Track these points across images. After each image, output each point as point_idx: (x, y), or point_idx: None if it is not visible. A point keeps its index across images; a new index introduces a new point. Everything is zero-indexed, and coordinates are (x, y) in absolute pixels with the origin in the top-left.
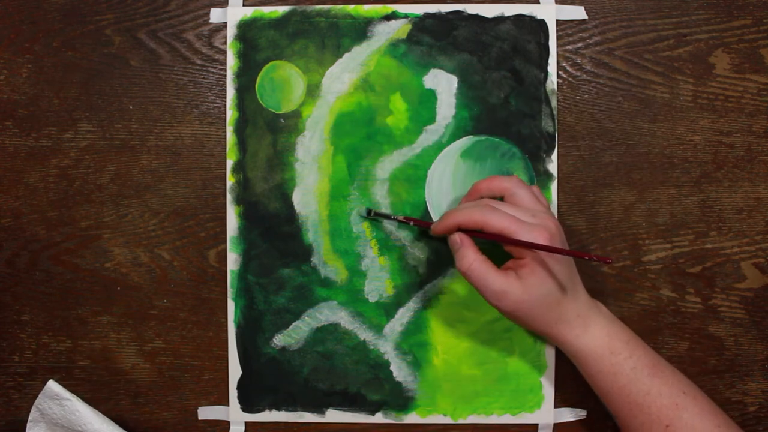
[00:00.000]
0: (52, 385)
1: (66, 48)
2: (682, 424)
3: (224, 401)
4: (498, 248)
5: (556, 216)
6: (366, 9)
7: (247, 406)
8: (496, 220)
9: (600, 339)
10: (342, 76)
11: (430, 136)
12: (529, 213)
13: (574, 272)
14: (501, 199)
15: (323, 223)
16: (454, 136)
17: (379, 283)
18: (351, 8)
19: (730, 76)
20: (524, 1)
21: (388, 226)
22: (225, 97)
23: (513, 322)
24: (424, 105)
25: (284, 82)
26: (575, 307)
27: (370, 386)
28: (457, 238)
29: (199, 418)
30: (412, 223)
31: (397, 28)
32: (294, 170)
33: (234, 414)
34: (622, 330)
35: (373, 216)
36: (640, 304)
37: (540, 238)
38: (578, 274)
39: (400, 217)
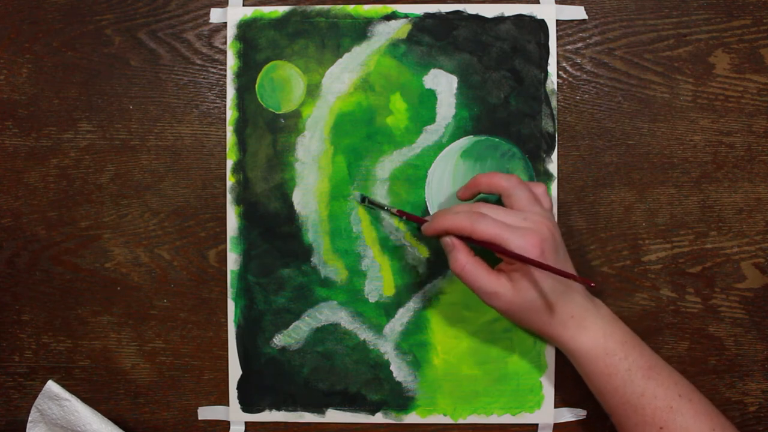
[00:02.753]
0: (51, 386)
1: (66, 48)
2: (676, 426)
3: (224, 401)
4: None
5: (555, 217)
6: (366, 9)
7: (247, 406)
8: (484, 228)
9: (595, 340)
10: (342, 76)
11: (430, 136)
12: (521, 216)
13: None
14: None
15: (323, 223)
16: (454, 136)
17: (379, 283)
18: (351, 8)
19: (730, 76)
20: (524, 1)
21: (388, 226)
22: (225, 97)
23: (509, 320)
24: (424, 105)
25: (284, 82)
26: (570, 308)
27: (370, 386)
28: (449, 240)
29: (199, 418)
30: (404, 218)
31: (397, 28)
32: (294, 170)
33: (234, 414)
34: (619, 331)
35: (367, 204)
36: (640, 304)
37: (529, 245)
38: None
39: (394, 210)
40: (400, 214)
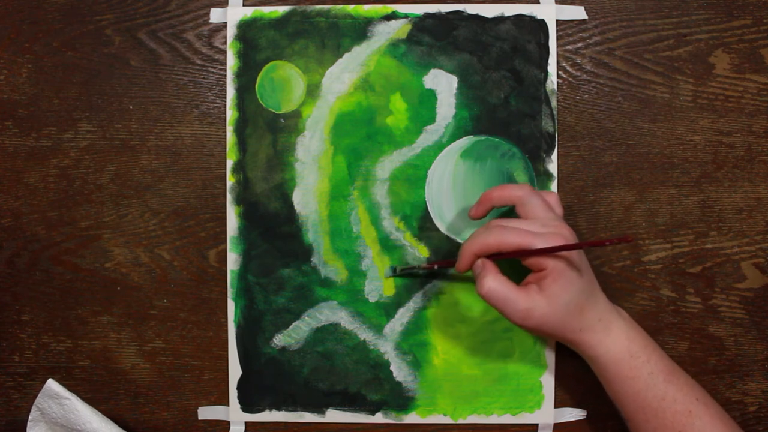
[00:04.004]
0: (51, 384)
1: (66, 48)
2: (694, 431)
3: (224, 401)
4: (517, 265)
5: None
6: (366, 9)
7: (247, 406)
8: (510, 237)
9: (620, 343)
10: (342, 76)
11: (430, 136)
12: (539, 223)
13: (592, 277)
14: (512, 207)
15: (323, 223)
16: (454, 136)
17: (378, 283)
18: (351, 8)
19: (730, 76)
20: (524, 1)
21: (388, 225)
22: (225, 97)
23: (537, 335)
24: (424, 105)
25: (284, 82)
26: (597, 311)
27: (370, 386)
28: (479, 263)
29: (199, 418)
30: (436, 267)
31: (397, 28)
32: (294, 170)
33: (234, 414)
34: (640, 334)
35: (399, 273)
36: (640, 304)
37: (556, 245)
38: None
39: (425, 265)
40: (432, 266)
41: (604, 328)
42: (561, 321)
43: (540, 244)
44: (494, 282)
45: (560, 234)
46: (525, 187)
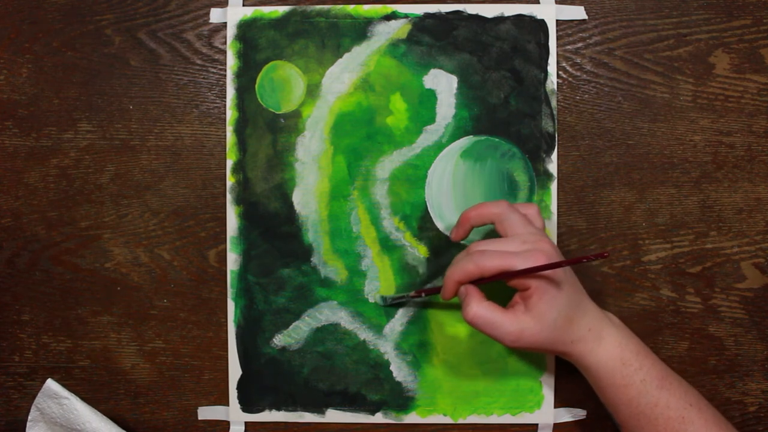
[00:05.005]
0: (50, 384)
1: (66, 48)
2: None
3: (224, 401)
4: (502, 286)
5: (555, 218)
6: (366, 9)
7: (247, 406)
8: (490, 261)
9: (612, 351)
10: (342, 76)
11: (430, 136)
12: (519, 240)
13: (579, 287)
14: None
15: (323, 223)
16: (454, 136)
17: (378, 283)
18: (351, 8)
19: (730, 76)
20: (524, 1)
21: (388, 226)
22: (225, 97)
23: (530, 352)
24: (424, 105)
25: (284, 82)
26: (586, 321)
27: (370, 386)
28: (463, 290)
29: (199, 418)
30: (424, 295)
31: (397, 28)
32: (294, 170)
33: (234, 414)
34: (632, 340)
35: (391, 302)
36: (640, 304)
37: (538, 263)
38: (581, 283)
39: (412, 294)
40: (419, 294)
41: (596, 337)
42: (551, 337)
43: (520, 264)
44: (479, 308)
45: (540, 250)
46: (501, 204)
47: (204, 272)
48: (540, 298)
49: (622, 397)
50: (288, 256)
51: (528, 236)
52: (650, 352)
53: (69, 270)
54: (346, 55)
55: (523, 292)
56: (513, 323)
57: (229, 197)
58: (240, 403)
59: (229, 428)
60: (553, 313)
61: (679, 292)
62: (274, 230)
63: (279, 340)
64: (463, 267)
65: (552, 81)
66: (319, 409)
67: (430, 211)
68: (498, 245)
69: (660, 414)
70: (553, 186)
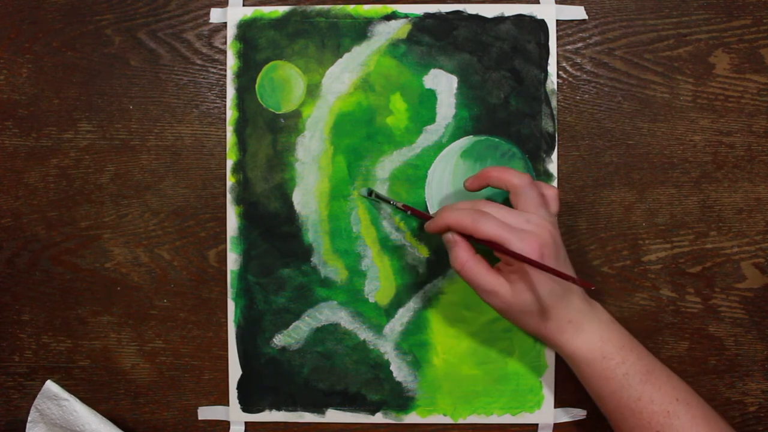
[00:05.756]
0: (50, 386)
1: (66, 48)
2: (672, 431)
3: (224, 401)
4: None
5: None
6: (366, 9)
7: (247, 406)
8: (486, 227)
9: (591, 343)
10: (342, 76)
11: (430, 136)
12: (524, 218)
13: (567, 283)
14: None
15: (323, 223)
16: (454, 136)
17: (378, 283)
18: (351, 8)
19: (730, 76)
20: (524, 1)
21: (389, 226)
22: (225, 97)
23: (507, 320)
24: (424, 105)
25: (284, 82)
26: (567, 312)
27: (370, 386)
28: (451, 236)
29: (199, 418)
30: (409, 213)
31: (397, 28)
32: (294, 170)
33: (234, 414)
34: (617, 335)
35: (373, 198)
36: (640, 304)
37: (528, 248)
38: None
39: (399, 204)
40: (405, 209)
41: (575, 329)
42: (523, 315)
43: (514, 242)
44: (470, 259)
45: (537, 236)
46: (525, 177)
47: (204, 272)
48: (521, 277)
49: (605, 389)
50: (288, 256)
51: (535, 217)
52: (637, 346)
53: (69, 270)
54: (346, 55)
55: (508, 265)
56: (492, 283)
57: (229, 197)
58: (240, 403)
59: (229, 428)
60: (530, 296)
61: (679, 292)
62: (274, 230)
63: (279, 340)
64: (460, 217)
65: (552, 81)
66: (319, 409)
67: (430, 211)
68: (503, 215)
69: (644, 408)
70: (553, 186)
